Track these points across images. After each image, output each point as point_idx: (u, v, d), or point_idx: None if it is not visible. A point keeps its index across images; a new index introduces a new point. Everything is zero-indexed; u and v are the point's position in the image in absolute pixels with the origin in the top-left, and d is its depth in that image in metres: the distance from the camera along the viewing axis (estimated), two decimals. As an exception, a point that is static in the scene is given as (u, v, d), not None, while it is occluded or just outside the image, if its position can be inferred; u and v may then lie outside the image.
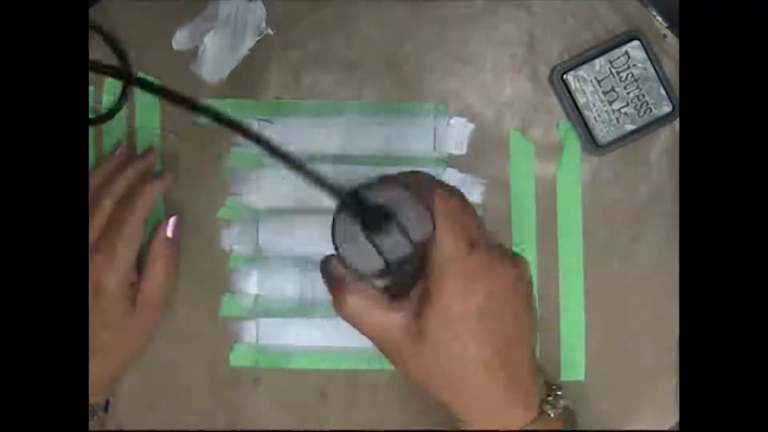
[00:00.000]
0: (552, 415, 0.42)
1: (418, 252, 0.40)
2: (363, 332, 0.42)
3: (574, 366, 0.52)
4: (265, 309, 0.53)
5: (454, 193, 0.42)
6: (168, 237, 0.50)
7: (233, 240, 0.53)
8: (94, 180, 0.50)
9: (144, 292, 0.49)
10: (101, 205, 0.49)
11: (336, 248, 0.41)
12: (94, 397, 0.51)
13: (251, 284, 0.53)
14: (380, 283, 0.42)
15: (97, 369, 0.47)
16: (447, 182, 0.43)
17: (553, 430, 0.42)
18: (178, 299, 0.53)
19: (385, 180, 0.42)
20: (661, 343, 0.52)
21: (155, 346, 0.53)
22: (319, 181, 0.39)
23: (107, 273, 0.48)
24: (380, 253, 0.40)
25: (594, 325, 0.53)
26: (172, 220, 0.50)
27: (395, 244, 0.40)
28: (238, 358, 0.53)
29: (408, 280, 0.41)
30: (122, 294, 0.48)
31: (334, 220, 0.41)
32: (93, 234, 0.48)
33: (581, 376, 0.53)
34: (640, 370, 0.52)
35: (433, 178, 0.43)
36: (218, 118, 0.36)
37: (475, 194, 0.53)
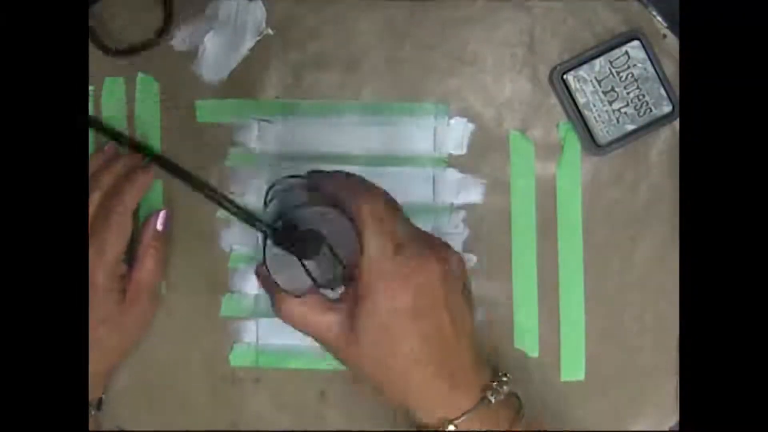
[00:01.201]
0: (493, 400, 0.43)
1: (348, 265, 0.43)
2: (302, 333, 0.45)
3: (574, 366, 0.52)
4: (265, 309, 0.53)
5: (377, 194, 0.44)
6: (157, 230, 0.50)
7: (233, 240, 0.53)
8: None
9: (134, 284, 0.49)
10: (89, 198, 0.49)
11: (268, 272, 0.44)
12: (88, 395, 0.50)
13: (251, 284, 0.53)
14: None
15: (90, 365, 0.47)
16: (370, 182, 0.45)
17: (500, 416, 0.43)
18: (178, 299, 0.53)
19: (309, 187, 0.45)
20: (661, 343, 0.52)
21: (155, 346, 0.53)
22: (245, 215, 0.43)
23: (96, 266, 0.47)
24: (312, 277, 0.43)
25: (594, 325, 0.53)
26: (162, 213, 0.51)
27: (327, 267, 0.43)
28: (238, 358, 0.53)
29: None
30: (112, 287, 0.48)
31: (264, 246, 0.43)
32: None
33: (581, 376, 0.53)
34: (640, 370, 0.52)
35: (355, 178, 0.46)
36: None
37: (475, 194, 0.53)
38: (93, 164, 0.50)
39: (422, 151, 0.53)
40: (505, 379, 0.44)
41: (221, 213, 0.53)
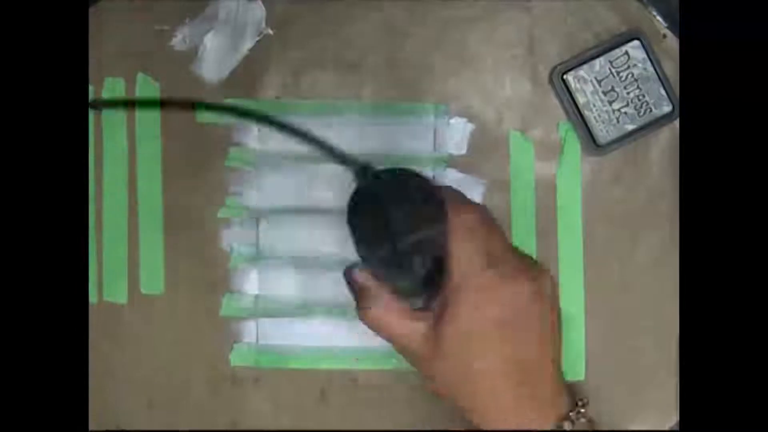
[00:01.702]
0: (568, 429, 0.42)
1: (437, 257, 0.41)
2: (384, 339, 0.44)
3: (574, 366, 0.52)
4: (265, 309, 0.53)
5: (471, 207, 0.43)
6: None
7: (233, 240, 0.53)
8: None
9: None
10: None
11: (363, 258, 0.41)
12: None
13: (251, 284, 0.53)
14: (406, 301, 0.43)
15: None
16: (467, 196, 0.44)
17: None
18: (178, 299, 0.53)
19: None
20: (661, 343, 0.52)
21: (155, 346, 0.53)
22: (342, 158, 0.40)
23: None
24: (406, 286, 0.42)
25: (594, 325, 0.53)
26: None
27: (413, 276, 0.41)
28: (238, 358, 0.53)
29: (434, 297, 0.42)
30: None
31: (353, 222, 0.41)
32: None
33: (581, 376, 0.53)
34: (640, 370, 0.52)
35: (452, 191, 0.45)
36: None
37: (475, 194, 0.53)
38: None
39: (422, 151, 0.53)
40: (583, 410, 0.43)
41: (221, 213, 0.53)
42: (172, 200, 0.53)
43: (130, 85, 0.53)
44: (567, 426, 0.42)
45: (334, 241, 0.53)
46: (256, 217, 0.53)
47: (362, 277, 0.44)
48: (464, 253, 0.41)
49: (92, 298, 0.53)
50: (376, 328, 0.43)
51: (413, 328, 0.42)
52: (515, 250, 0.44)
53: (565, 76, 0.51)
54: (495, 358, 0.41)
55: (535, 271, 0.43)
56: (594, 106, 0.52)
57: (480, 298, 0.41)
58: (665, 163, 0.52)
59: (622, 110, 0.52)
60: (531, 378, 0.42)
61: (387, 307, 0.43)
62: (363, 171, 0.40)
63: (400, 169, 0.40)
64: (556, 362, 0.43)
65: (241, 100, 0.53)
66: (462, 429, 0.52)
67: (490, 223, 0.43)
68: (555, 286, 0.44)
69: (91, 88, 0.53)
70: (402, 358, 0.45)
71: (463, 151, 0.53)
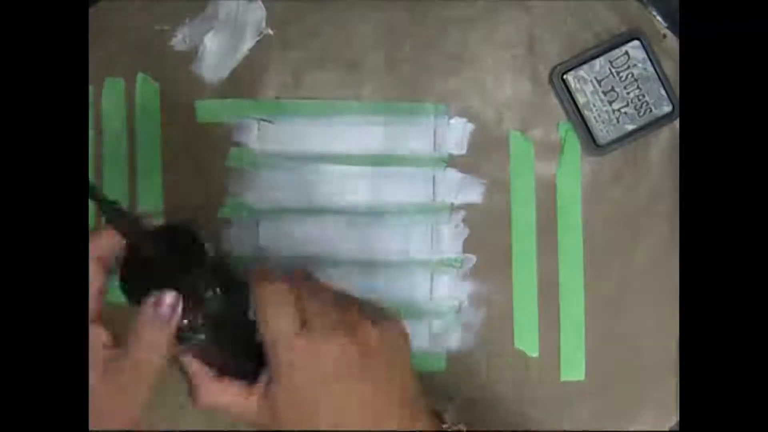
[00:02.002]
0: None
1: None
2: (226, 416, 0.44)
3: (574, 366, 0.52)
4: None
5: (277, 274, 0.43)
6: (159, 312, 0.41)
7: (233, 240, 0.53)
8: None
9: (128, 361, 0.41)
10: None
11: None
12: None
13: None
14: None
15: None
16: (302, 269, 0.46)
17: None
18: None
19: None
20: (661, 343, 0.52)
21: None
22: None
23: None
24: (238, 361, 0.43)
25: (594, 326, 0.53)
26: (168, 297, 0.41)
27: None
28: (238, 358, 0.53)
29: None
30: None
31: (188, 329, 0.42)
32: None
33: (581, 376, 0.53)
34: (640, 370, 0.52)
35: (263, 269, 0.45)
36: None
37: (475, 194, 0.53)
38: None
39: (422, 151, 0.53)
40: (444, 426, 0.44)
41: (221, 213, 0.53)
42: (172, 200, 0.53)
43: (130, 85, 0.53)
44: None
45: (334, 241, 0.53)
46: (256, 217, 0.53)
47: (191, 364, 0.43)
48: (270, 322, 0.41)
49: (92, 298, 0.53)
50: (216, 408, 0.43)
51: (247, 404, 0.42)
52: (334, 308, 0.43)
53: (565, 76, 0.51)
54: (330, 415, 0.41)
55: (355, 326, 0.42)
56: (594, 106, 0.52)
57: (301, 363, 0.41)
58: (665, 163, 0.52)
59: (622, 110, 0.52)
60: (374, 424, 0.42)
61: (216, 391, 0.43)
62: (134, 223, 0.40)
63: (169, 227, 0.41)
64: (406, 404, 0.43)
65: (241, 100, 0.53)
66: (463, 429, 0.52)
67: (299, 286, 0.43)
68: (379, 337, 0.42)
69: (91, 88, 0.53)
70: None
71: (463, 151, 0.53)
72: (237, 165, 0.53)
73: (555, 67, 0.52)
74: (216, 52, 0.53)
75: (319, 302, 0.43)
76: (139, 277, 0.41)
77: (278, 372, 0.41)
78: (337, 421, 0.42)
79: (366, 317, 0.43)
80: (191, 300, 0.41)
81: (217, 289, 0.41)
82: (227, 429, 0.53)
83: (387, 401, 0.42)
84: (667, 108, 0.51)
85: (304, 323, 0.41)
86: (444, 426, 0.44)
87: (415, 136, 0.53)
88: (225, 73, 0.53)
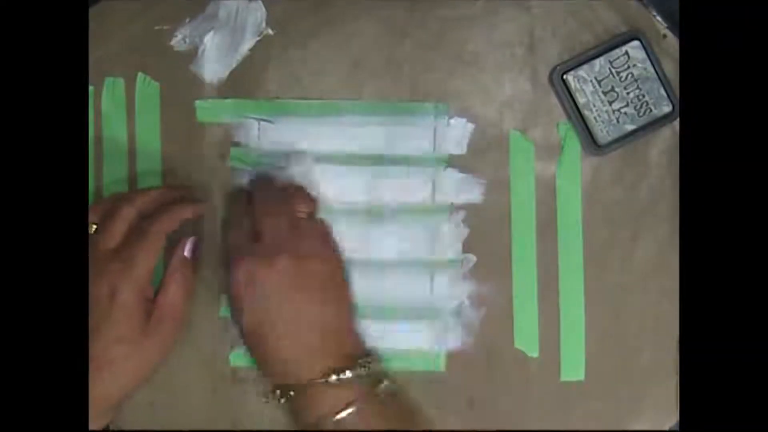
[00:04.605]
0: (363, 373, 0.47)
1: None
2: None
3: (574, 366, 0.52)
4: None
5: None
6: (185, 257, 0.49)
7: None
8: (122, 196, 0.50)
9: (159, 309, 0.47)
10: (121, 213, 0.48)
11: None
12: (95, 422, 0.47)
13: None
14: None
15: (101, 388, 0.46)
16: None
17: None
18: (178, 299, 0.53)
19: None
20: (661, 343, 0.52)
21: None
22: None
23: (124, 282, 0.46)
24: None
25: (594, 325, 0.53)
26: (190, 240, 0.50)
27: None
28: (238, 358, 0.53)
29: None
30: (138, 306, 0.46)
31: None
32: (112, 241, 0.47)
33: (581, 376, 0.53)
34: (640, 370, 0.52)
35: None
36: None
37: (474, 194, 0.53)
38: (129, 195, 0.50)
39: (422, 151, 0.53)
40: (369, 359, 0.48)
41: (222, 213, 0.53)
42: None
43: (130, 85, 0.53)
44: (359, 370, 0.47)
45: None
46: (256, 217, 0.53)
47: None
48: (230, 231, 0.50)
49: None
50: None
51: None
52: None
53: (565, 76, 0.51)
54: (289, 311, 0.47)
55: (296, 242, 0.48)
56: (594, 106, 0.52)
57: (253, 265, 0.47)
58: (665, 163, 0.52)
59: (622, 110, 0.52)
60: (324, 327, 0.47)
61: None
62: None
63: None
64: (335, 315, 0.48)
65: (241, 99, 0.53)
66: (462, 429, 0.53)
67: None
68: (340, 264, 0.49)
69: (91, 88, 0.53)
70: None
71: (463, 151, 0.53)
72: (237, 165, 0.53)
73: (555, 67, 0.52)
74: (216, 52, 0.53)
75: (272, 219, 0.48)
76: None
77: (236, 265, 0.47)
78: (292, 316, 0.47)
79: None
80: None
81: None
82: (227, 429, 0.53)
83: (322, 309, 0.48)
84: (667, 108, 0.51)
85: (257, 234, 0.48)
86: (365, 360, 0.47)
87: (415, 136, 0.53)
88: (225, 73, 0.53)
